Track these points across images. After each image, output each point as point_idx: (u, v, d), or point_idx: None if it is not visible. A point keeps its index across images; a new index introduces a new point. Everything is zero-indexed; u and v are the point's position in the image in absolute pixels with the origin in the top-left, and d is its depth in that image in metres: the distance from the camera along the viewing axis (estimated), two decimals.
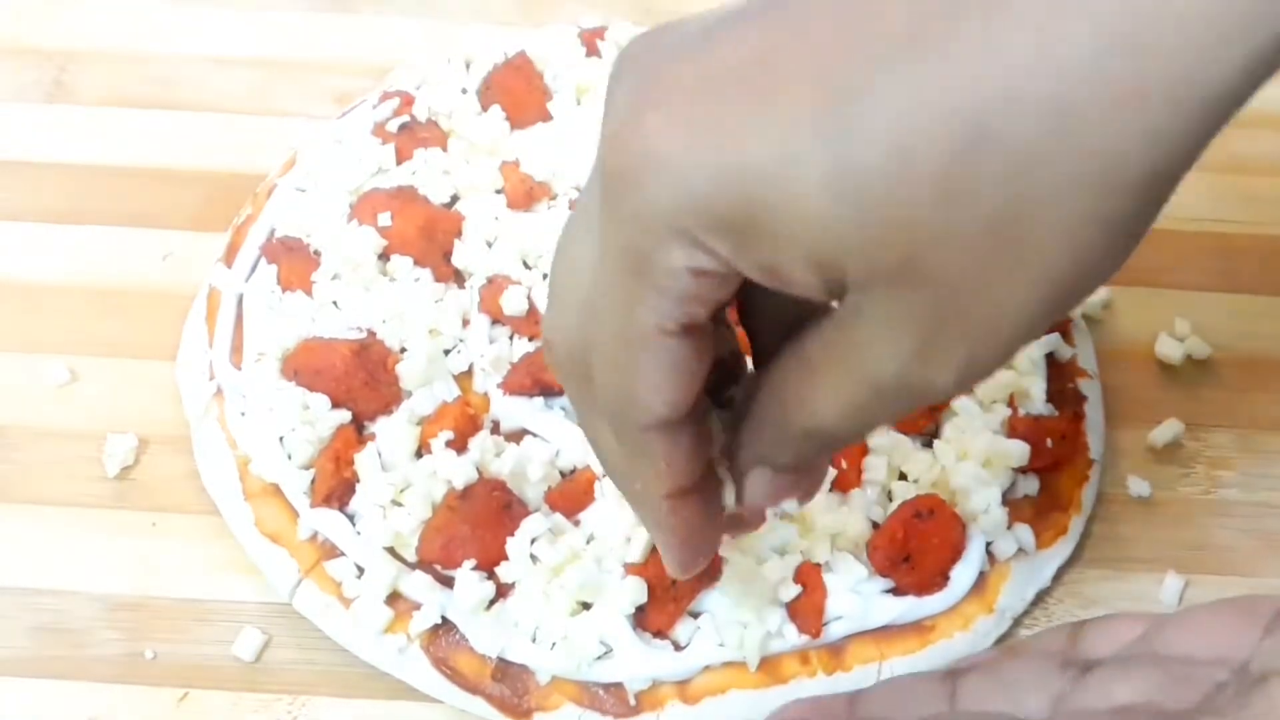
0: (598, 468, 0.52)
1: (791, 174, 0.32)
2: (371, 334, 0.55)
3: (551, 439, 0.53)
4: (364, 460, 0.52)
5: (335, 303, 0.56)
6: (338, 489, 0.51)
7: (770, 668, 0.48)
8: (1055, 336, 0.56)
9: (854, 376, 0.35)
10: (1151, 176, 0.31)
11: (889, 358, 0.34)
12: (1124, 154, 0.31)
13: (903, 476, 0.52)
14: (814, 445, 0.39)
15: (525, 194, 0.59)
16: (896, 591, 0.50)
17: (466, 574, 0.49)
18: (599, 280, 0.36)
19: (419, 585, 0.49)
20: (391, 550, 0.50)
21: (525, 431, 0.53)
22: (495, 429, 0.53)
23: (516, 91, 0.62)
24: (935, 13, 0.31)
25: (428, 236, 0.57)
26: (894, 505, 0.51)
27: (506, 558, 0.49)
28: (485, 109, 0.62)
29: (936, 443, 0.52)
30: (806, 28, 0.33)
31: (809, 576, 0.49)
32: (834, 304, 0.35)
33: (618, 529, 0.50)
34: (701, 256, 0.34)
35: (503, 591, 0.49)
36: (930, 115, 0.31)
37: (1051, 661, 0.38)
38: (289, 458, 0.52)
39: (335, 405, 0.53)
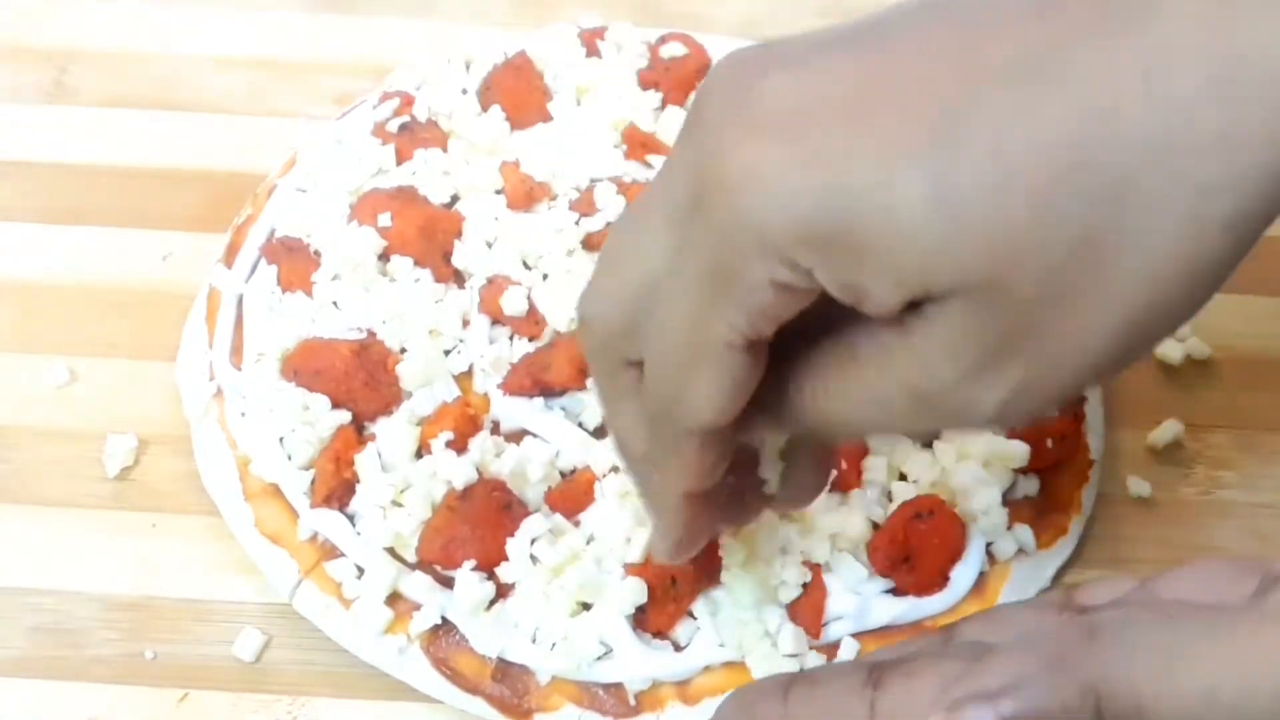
0: (598, 468, 0.52)
1: (892, 196, 0.33)
2: (371, 334, 0.55)
3: (551, 439, 0.53)
4: (364, 461, 0.52)
5: (335, 303, 0.56)
6: (338, 489, 0.51)
7: None
8: None
9: (897, 378, 0.36)
10: (1236, 217, 0.33)
11: (944, 367, 0.35)
12: (1212, 192, 0.32)
13: (903, 477, 0.52)
14: (824, 428, 0.39)
15: (525, 194, 0.59)
16: (896, 592, 0.50)
17: (466, 574, 0.49)
18: (668, 285, 0.37)
19: (419, 586, 0.49)
20: (391, 551, 0.50)
21: (525, 432, 0.53)
22: (495, 429, 0.53)
23: (516, 92, 0.62)
24: (1043, 45, 0.33)
25: (428, 237, 0.57)
26: (894, 506, 0.51)
27: (506, 558, 0.49)
28: (485, 109, 0.62)
29: (936, 443, 0.52)
30: (908, 57, 0.34)
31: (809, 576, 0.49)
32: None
33: (618, 529, 0.50)
34: (787, 273, 0.35)
35: (503, 592, 0.49)
36: (1034, 138, 0.33)
37: (1049, 608, 0.39)
38: (289, 458, 0.52)
39: (335, 405, 0.53)
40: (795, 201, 0.34)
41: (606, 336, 0.40)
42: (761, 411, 0.39)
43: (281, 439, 0.52)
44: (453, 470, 0.51)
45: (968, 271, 0.33)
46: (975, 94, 0.33)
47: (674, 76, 0.63)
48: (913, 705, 0.36)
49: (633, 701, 0.48)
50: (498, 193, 0.59)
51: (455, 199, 0.59)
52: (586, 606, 0.49)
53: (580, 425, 0.53)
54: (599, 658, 0.48)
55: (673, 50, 0.64)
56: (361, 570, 0.50)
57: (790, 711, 0.39)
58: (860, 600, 0.49)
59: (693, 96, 0.38)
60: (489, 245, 0.57)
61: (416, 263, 0.56)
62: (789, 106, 0.35)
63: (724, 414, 0.38)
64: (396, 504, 0.51)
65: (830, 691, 0.38)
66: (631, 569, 0.49)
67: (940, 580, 0.50)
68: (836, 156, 0.34)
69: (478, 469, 0.51)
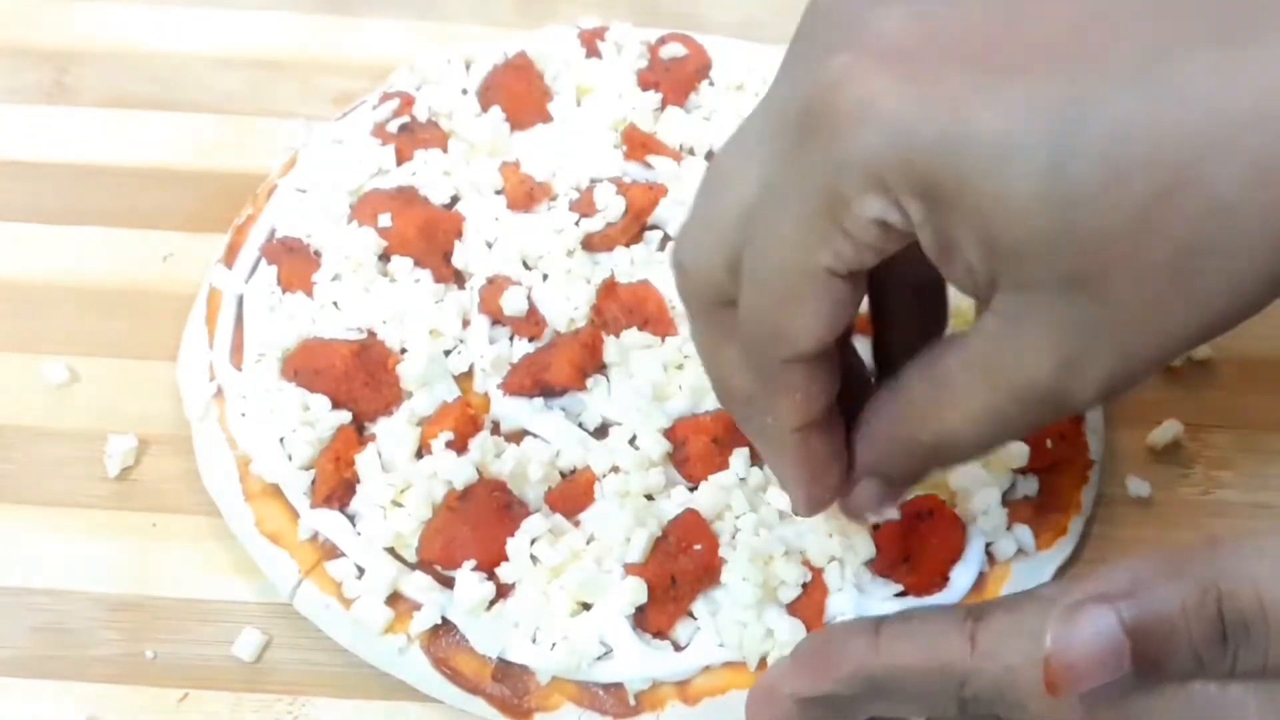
0: (598, 468, 0.52)
1: (1009, 157, 0.33)
2: (372, 334, 0.55)
3: (551, 439, 0.53)
4: (364, 461, 0.52)
5: (335, 303, 0.56)
6: (338, 489, 0.51)
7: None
8: None
9: (998, 383, 0.37)
10: None
11: (1041, 365, 0.36)
12: None
13: None
14: (937, 458, 0.40)
15: (525, 194, 0.59)
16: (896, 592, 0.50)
17: (466, 574, 0.49)
18: (770, 213, 0.37)
19: (419, 586, 0.49)
20: (392, 551, 0.50)
21: (525, 432, 0.53)
22: (495, 429, 0.53)
23: (516, 92, 0.62)
24: (1169, 42, 0.33)
25: (428, 237, 0.57)
26: None
27: (506, 558, 0.49)
28: (485, 109, 0.62)
29: None
30: (1042, 11, 0.34)
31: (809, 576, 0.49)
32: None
33: (618, 529, 0.50)
34: (894, 212, 0.35)
35: (503, 592, 0.49)
36: (1149, 144, 0.33)
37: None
38: (289, 458, 0.52)
39: (335, 406, 0.53)
40: (912, 139, 0.34)
41: (703, 279, 0.40)
42: (877, 456, 0.41)
43: (282, 439, 0.52)
44: (453, 470, 0.51)
45: (1061, 262, 0.34)
46: (1103, 77, 0.33)
47: (674, 77, 0.63)
48: (1018, 634, 0.36)
49: (633, 701, 0.48)
50: (498, 193, 0.59)
51: (455, 199, 0.59)
52: (586, 606, 0.49)
53: (580, 425, 0.53)
54: (599, 658, 0.48)
55: (673, 51, 0.64)
56: (361, 570, 0.50)
57: (883, 645, 0.39)
58: (860, 600, 0.49)
59: (801, 18, 0.37)
60: (489, 245, 0.57)
61: (416, 263, 0.56)
62: (909, 39, 0.35)
63: (823, 341, 0.38)
64: (397, 504, 0.51)
65: (927, 628, 0.38)
66: (631, 569, 0.49)
67: (940, 580, 0.50)
68: (961, 99, 0.34)
69: (478, 469, 0.51)
